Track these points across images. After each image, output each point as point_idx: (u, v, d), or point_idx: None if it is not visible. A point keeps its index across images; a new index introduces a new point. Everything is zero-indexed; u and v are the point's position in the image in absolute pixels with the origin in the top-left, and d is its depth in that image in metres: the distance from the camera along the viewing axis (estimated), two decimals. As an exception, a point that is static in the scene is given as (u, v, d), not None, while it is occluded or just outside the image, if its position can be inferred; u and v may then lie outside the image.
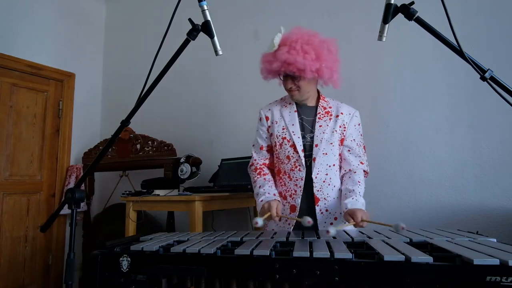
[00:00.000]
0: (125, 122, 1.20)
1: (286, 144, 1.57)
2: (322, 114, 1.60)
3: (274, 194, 1.51)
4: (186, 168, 2.55)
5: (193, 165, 2.61)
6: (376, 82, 2.37)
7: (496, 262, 0.79)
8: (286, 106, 1.65)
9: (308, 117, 1.61)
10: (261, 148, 1.67)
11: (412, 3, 0.99)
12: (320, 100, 1.64)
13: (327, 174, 1.55)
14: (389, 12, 1.00)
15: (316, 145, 1.54)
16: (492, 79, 0.93)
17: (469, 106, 2.09)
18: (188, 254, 1.05)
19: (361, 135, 1.64)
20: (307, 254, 0.93)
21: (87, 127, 3.62)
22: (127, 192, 2.51)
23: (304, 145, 1.56)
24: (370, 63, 2.40)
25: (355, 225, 1.37)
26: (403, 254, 0.87)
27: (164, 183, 2.53)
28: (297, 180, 1.55)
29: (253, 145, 1.72)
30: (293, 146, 1.55)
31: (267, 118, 1.66)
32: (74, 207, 1.18)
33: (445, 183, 2.11)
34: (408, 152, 2.23)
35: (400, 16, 1.00)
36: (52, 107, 3.32)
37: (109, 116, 3.74)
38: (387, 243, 1.03)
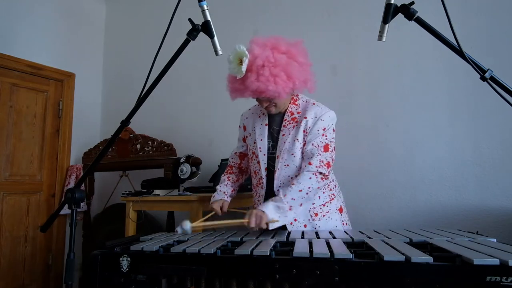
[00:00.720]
0: (125, 122, 1.20)
1: (254, 160, 1.58)
2: (288, 121, 1.51)
3: (225, 193, 1.61)
4: (186, 168, 2.55)
5: (193, 165, 2.61)
6: (376, 82, 2.37)
7: (496, 262, 0.79)
8: (260, 117, 1.60)
9: (277, 127, 1.55)
10: (235, 153, 1.75)
11: (412, 3, 0.99)
12: (290, 105, 1.52)
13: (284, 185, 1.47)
14: (389, 12, 1.00)
15: (278, 156, 1.49)
16: (492, 79, 0.93)
17: (469, 106, 2.09)
18: (188, 254, 1.05)
19: (323, 135, 1.45)
20: (307, 254, 0.93)
21: (87, 127, 3.61)
22: (127, 192, 2.51)
23: (274, 157, 1.53)
24: (370, 63, 2.40)
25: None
26: (403, 254, 0.88)
27: (164, 183, 2.53)
28: (259, 196, 1.57)
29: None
30: (259, 163, 1.54)
31: (244, 128, 1.67)
32: (74, 207, 1.18)
33: (445, 183, 2.11)
34: (408, 152, 2.23)
35: (400, 16, 1.00)
36: (52, 107, 3.32)
37: (109, 116, 3.74)
38: (387, 243, 1.03)
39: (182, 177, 2.55)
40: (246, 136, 1.66)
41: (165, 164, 2.77)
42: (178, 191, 2.46)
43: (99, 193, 3.50)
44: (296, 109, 1.52)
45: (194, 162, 2.63)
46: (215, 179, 2.65)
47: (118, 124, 1.20)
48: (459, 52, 0.95)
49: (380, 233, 1.26)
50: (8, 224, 2.95)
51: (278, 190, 1.46)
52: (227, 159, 2.64)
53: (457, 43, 0.94)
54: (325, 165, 1.42)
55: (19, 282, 2.98)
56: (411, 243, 1.07)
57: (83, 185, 3.09)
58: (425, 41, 2.09)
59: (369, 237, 1.17)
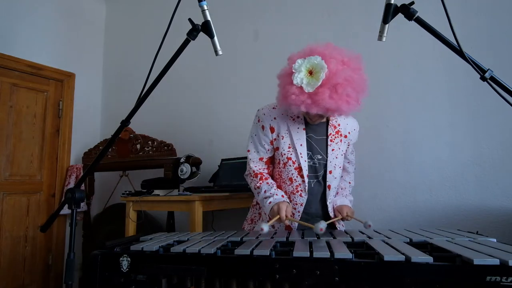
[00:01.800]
0: (125, 122, 1.20)
1: (290, 166, 1.46)
2: (333, 135, 1.50)
3: (282, 196, 1.44)
4: (186, 168, 2.55)
5: (193, 165, 2.61)
6: (376, 82, 2.37)
7: (496, 262, 0.79)
8: (294, 120, 1.48)
9: (317, 136, 1.49)
10: (260, 159, 1.54)
11: (412, 3, 0.99)
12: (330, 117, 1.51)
13: (334, 196, 1.60)
14: (389, 12, 1.00)
15: (330, 172, 1.49)
16: (492, 79, 0.93)
17: (469, 106, 2.09)
18: (188, 254, 1.05)
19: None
20: (307, 254, 0.93)
21: (87, 127, 3.62)
22: (127, 192, 2.51)
23: (310, 166, 1.47)
24: (370, 63, 2.39)
25: (342, 219, 1.51)
26: (403, 254, 0.87)
27: (164, 183, 2.53)
28: (296, 204, 1.49)
29: (249, 151, 1.55)
30: (298, 169, 1.45)
31: (272, 129, 1.48)
32: (74, 207, 1.19)
33: (445, 183, 2.11)
34: (408, 152, 2.23)
35: (400, 16, 1.00)
36: (52, 107, 3.32)
37: (109, 116, 3.74)
38: (387, 243, 1.03)
39: (182, 177, 2.55)
40: (275, 138, 1.49)
41: (165, 164, 2.77)
42: (178, 191, 2.46)
43: (99, 193, 3.50)
44: (336, 121, 1.54)
45: (194, 162, 2.63)
46: (215, 179, 2.65)
47: (118, 124, 1.20)
48: (459, 52, 0.95)
49: (380, 233, 1.26)
50: (8, 224, 2.95)
51: (330, 203, 1.55)
52: (227, 159, 2.66)
53: (457, 43, 0.94)
54: None
55: (19, 282, 2.98)
56: (411, 243, 1.07)
57: (83, 185, 3.09)
58: (425, 41, 2.09)
59: (369, 237, 1.17)
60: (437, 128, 2.16)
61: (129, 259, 1.08)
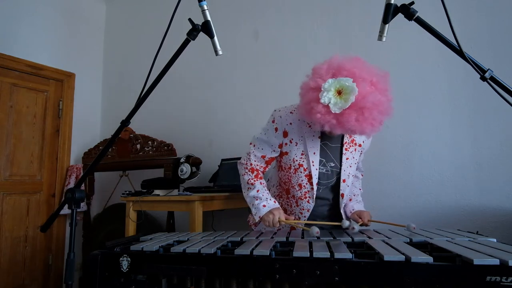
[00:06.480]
0: (125, 122, 1.20)
1: (301, 172, 1.46)
2: (348, 144, 1.50)
3: (275, 202, 1.47)
4: (186, 168, 2.55)
5: (193, 165, 2.61)
6: (376, 82, 2.37)
7: (496, 262, 0.79)
8: (310, 127, 1.44)
9: (332, 144, 1.49)
10: (262, 157, 1.53)
11: (412, 3, 0.99)
12: None
13: (345, 205, 1.60)
14: (389, 12, 1.00)
15: (344, 180, 1.50)
16: (492, 79, 0.93)
17: (469, 106, 2.09)
18: (188, 254, 1.05)
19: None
20: (307, 254, 0.93)
21: (87, 127, 3.61)
22: (127, 192, 2.51)
23: (322, 174, 1.47)
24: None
25: (362, 224, 1.44)
26: (403, 254, 0.88)
27: (164, 183, 2.53)
28: (303, 209, 1.52)
29: (254, 145, 1.54)
30: (309, 176, 1.46)
31: (285, 134, 1.47)
32: (74, 207, 1.18)
33: (445, 183, 2.11)
34: (408, 152, 2.23)
35: (400, 16, 1.00)
36: (52, 107, 3.32)
37: (109, 116, 3.74)
38: (387, 243, 1.03)
39: (182, 177, 2.55)
40: (286, 143, 1.48)
41: (165, 164, 2.77)
42: (178, 191, 2.46)
43: (99, 193, 3.50)
44: None
45: (194, 162, 2.63)
46: (215, 179, 2.65)
47: (118, 124, 1.20)
48: (459, 52, 0.95)
49: (380, 233, 1.26)
50: (8, 224, 2.95)
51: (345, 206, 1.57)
52: (227, 159, 2.66)
53: (457, 43, 0.94)
54: None
55: (19, 282, 2.98)
56: (411, 243, 1.07)
57: (83, 185, 3.09)
58: (425, 41, 2.09)
59: (369, 237, 1.17)
60: (437, 128, 2.16)
61: (129, 259, 1.08)
